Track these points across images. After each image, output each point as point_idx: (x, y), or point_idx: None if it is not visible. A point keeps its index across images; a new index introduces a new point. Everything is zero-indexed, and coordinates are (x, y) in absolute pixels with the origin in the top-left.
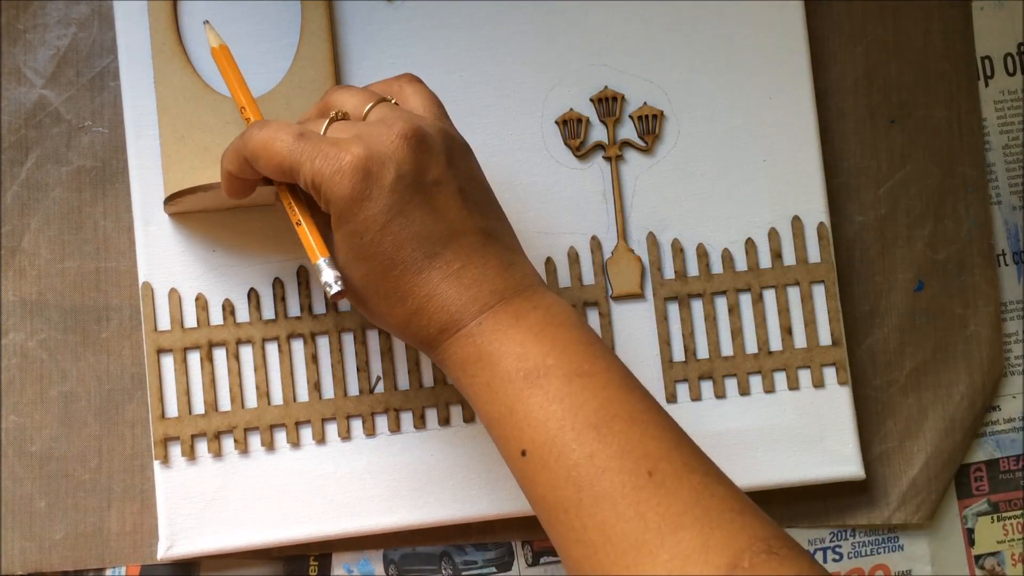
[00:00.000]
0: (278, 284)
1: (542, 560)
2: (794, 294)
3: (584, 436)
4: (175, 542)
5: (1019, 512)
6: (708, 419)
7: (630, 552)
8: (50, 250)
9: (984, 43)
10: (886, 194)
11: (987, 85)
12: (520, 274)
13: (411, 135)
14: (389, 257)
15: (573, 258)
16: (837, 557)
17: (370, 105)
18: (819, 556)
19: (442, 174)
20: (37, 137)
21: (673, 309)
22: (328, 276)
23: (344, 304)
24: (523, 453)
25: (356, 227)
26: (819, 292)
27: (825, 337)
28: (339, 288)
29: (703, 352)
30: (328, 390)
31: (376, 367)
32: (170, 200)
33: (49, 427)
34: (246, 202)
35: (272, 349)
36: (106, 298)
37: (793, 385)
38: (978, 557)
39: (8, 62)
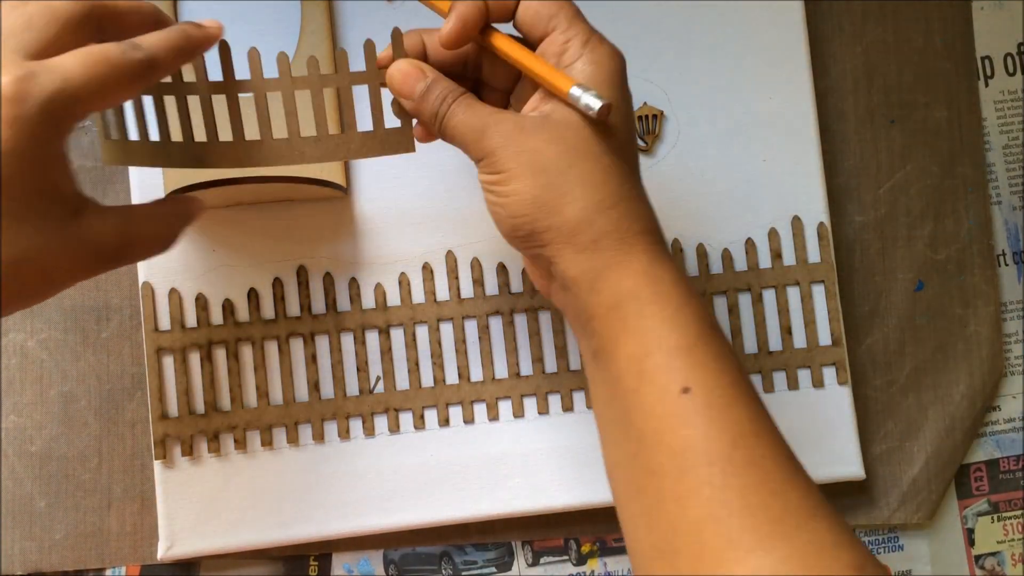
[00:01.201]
0: (278, 284)
1: (542, 560)
2: (794, 294)
3: (750, 398)
4: (175, 542)
5: (1019, 512)
6: None
7: (766, 525)
8: None
9: (984, 43)
10: (886, 194)
11: (987, 85)
12: None
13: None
14: (625, 142)
15: None
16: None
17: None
18: None
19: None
20: None
21: None
22: (590, 99)
23: (344, 304)
24: (686, 390)
25: (614, 95)
26: (819, 292)
27: (825, 337)
28: (603, 103)
29: None
30: (328, 390)
31: (376, 367)
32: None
33: (49, 427)
34: (248, 199)
35: (272, 349)
36: (106, 298)
37: (793, 385)
38: (978, 557)
39: None
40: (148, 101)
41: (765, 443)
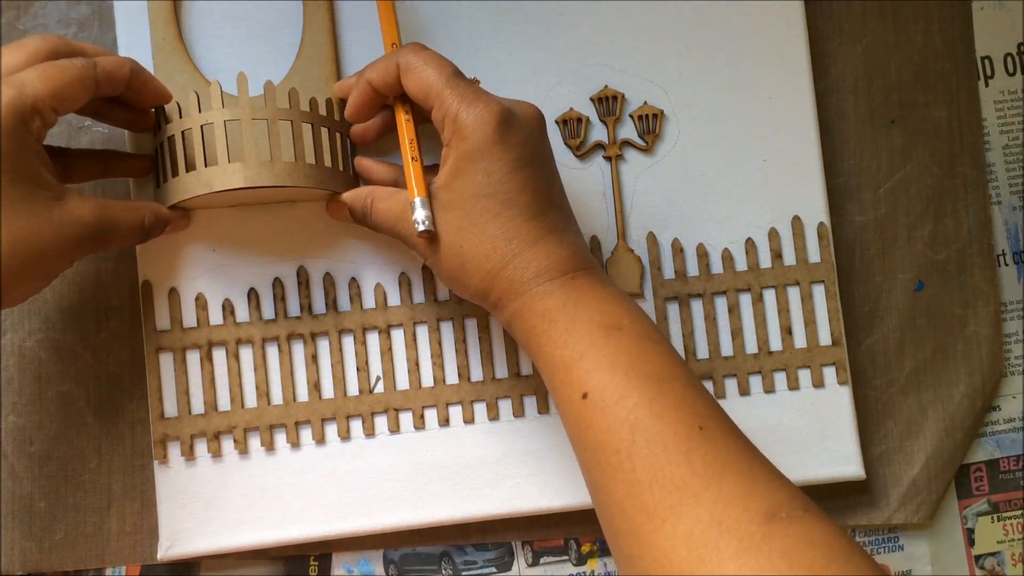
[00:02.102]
0: (278, 284)
1: (542, 560)
2: (794, 294)
3: (646, 385)
4: (175, 542)
5: (1019, 512)
6: None
7: (675, 492)
8: None
9: (984, 43)
10: (886, 194)
11: (987, 85)
12: (592, 261)
13: (537, 115)
14: (509, 197)
15: None
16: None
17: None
18: None
19: (551, 157)
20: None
21: (673, 309)
22: (421, 215)
23: (344, 304)
24: (584, 396)
25: (487, 166)
26: (819, 292)
27: (825, 337)
28: (428, 227)
29: (703, 352)
30: (328, 390)
31: (376, 367)
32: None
33: (48, 427)
34: (250, 199)
35: (272, 349)
36: (105, 298)
37: (793, 385)
38: (978, 557)
39: None
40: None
41: (665, 422)
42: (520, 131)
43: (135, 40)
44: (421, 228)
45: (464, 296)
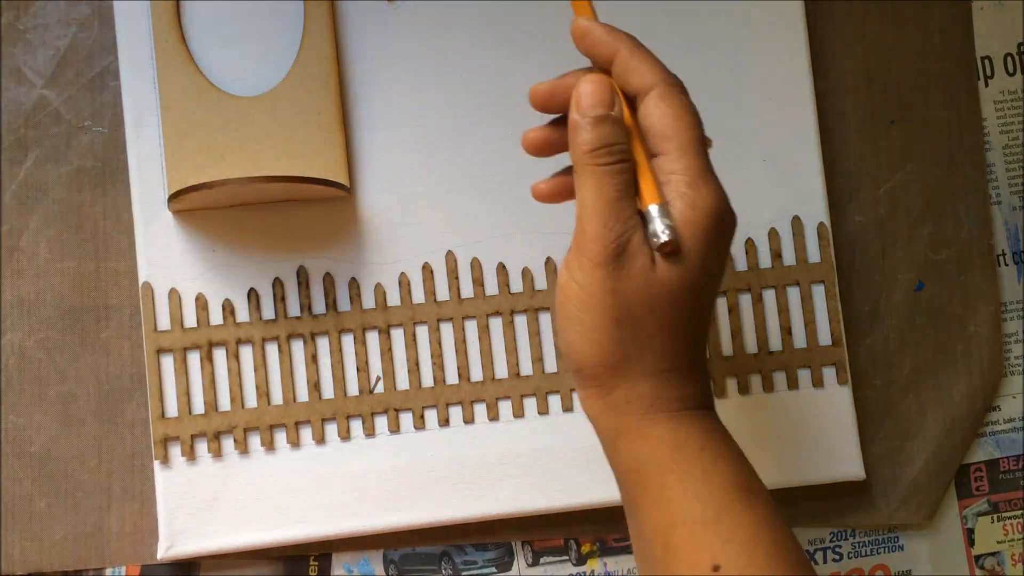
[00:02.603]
0: (278, 284)
1: (542, 560)
2: (794, 294)
3: (786, 569)
4: (175, 542)
5: (1019, 512)
6: None
7: None
8: (49, 250)
9: (984, 43)
10: (886, 194)
11: (987, 85)
12: None
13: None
14: (698, 304)
15: None
16: (837, 557)
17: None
18: (819, 556)
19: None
20: (37, 137)
21: None
22: (659, 225)
23: (344, 304)
24: (715, 568)
25: (704, 254)
26: (819, 292)
27: (825, 337)
28: (670, 236)
29: None
30: (328, 390)
31: (376, 367)
32: (174, 197)
33: (48, 427)
34: (251, 199)
35: (272, 349)
36: (105, 298)
37: (793, 385)
38: (978, 557)
39: (8, 62)
40: None
41: None
42: (727, 239)
43: (135, 40)
44: (662, 240)
45: (580, 364)
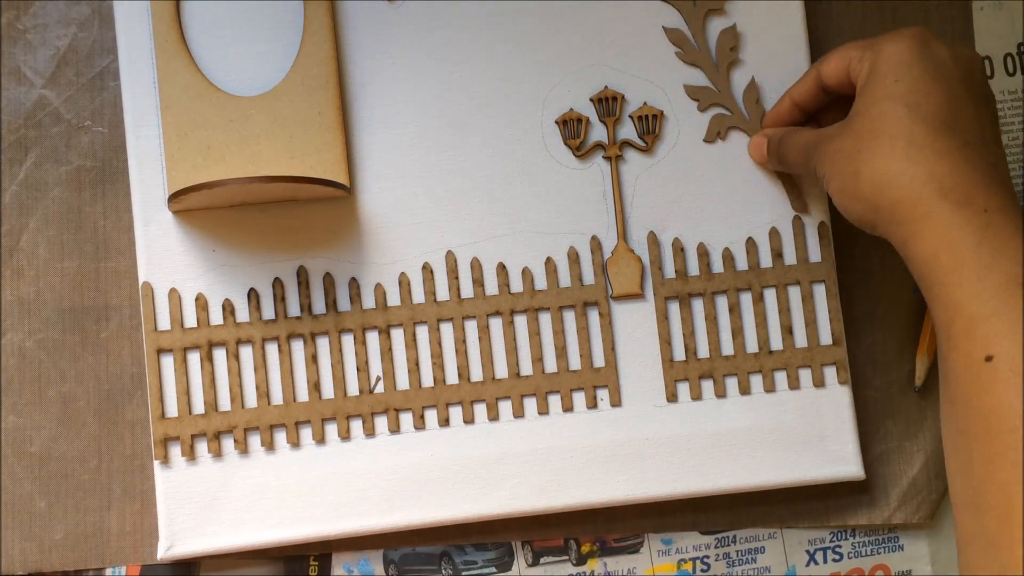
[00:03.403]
0: (278, 284)
1: (542, 560)
2: (795, 294)
3: None
4: (175, 542)
5: None
6: (709, 418)
7: None
8: (49, 250)
9: (984, 43)
10: None
11: None
12: (1012, 191)
13: (980, 63)
14: (917, 102)
15: (573, 258)
16: (837, 557)
17: None
18: (819, 556)
19: (989, 95)
20: (37, 137)
21: (674, 308)
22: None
23: (344, 304)
24: (989, 358)
25: (899, 72)
26: (820, 292)
27: (826, 336)
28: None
29: (704, 351)
30: (328, 390)
31: (376, 367)
32: (174, 197)
33: (48, 427)
34: (251, 199)
35: (272, 349)
36: (105, 298)
37: (794, 384)
38: None
39: (8, 62)
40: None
41: None
42: (944, 49)
43: (135, 40)
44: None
45: (851, 212)
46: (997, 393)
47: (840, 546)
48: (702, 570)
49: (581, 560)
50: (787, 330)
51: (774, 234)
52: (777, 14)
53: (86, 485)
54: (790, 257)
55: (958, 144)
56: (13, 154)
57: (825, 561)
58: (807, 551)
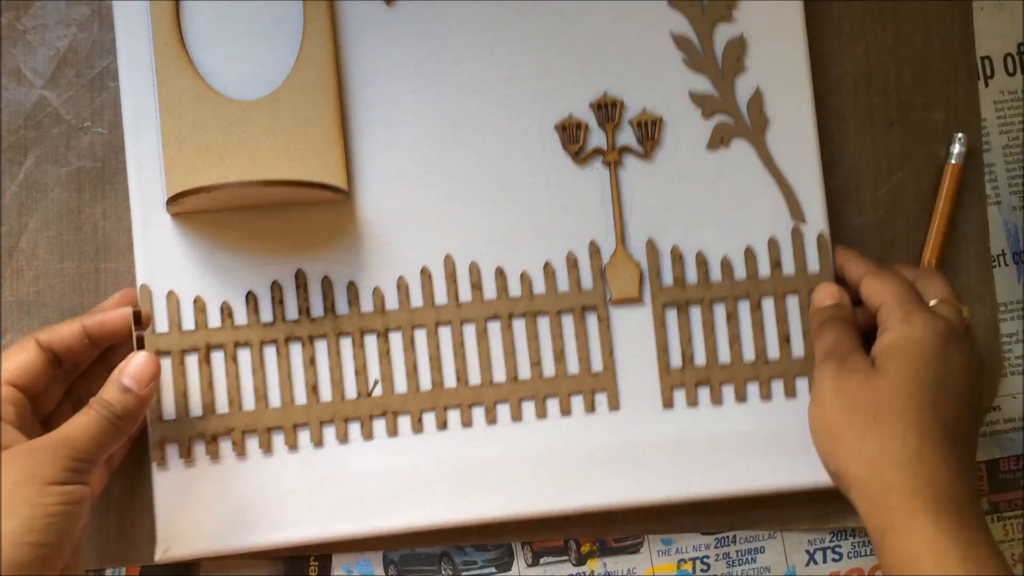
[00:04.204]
0: (276, 287)
1: (542, 560)
2: (792, 303)
3: None
4: (172, 544)
5: (1019, 512)
6: (705, 425)
7: None
8: (48, 251)
9: (984, 43)
10: (885, 196)
11: (987, 85)
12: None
13: (983, 366)
14: (943, 404)
15: (572, 263)
16: (837, 557)
17: (944, 298)
18: (819, 556)
19: (979, 402)
20: (36, 137)
21: (671, 315)
22: None
23: (342, 307)
24: None
25: (928, 361)
26: None
27: None
28: None
29: (700, 359)
30: (326, 393)
31: (374, 370)
32: (173, 200)
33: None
34: (249, 202)
35: (270, 352)
36: (105, 298)
37: (790, 393)
38: None
39: (8, 62)
40: None
41: None
42: (962, 355)
43: (134, 42)
44: None
45: (840, 466)
46: None
47: (840, 546)
48: (702, 570)
49: (581, 560)
50: (784, 339)
51: (772, 244)
52: (777, 16)
53: None
54: (788, 267)
55: (959, 455)
56: (13, 155)
57: (825, 561)
58: (807, 551)
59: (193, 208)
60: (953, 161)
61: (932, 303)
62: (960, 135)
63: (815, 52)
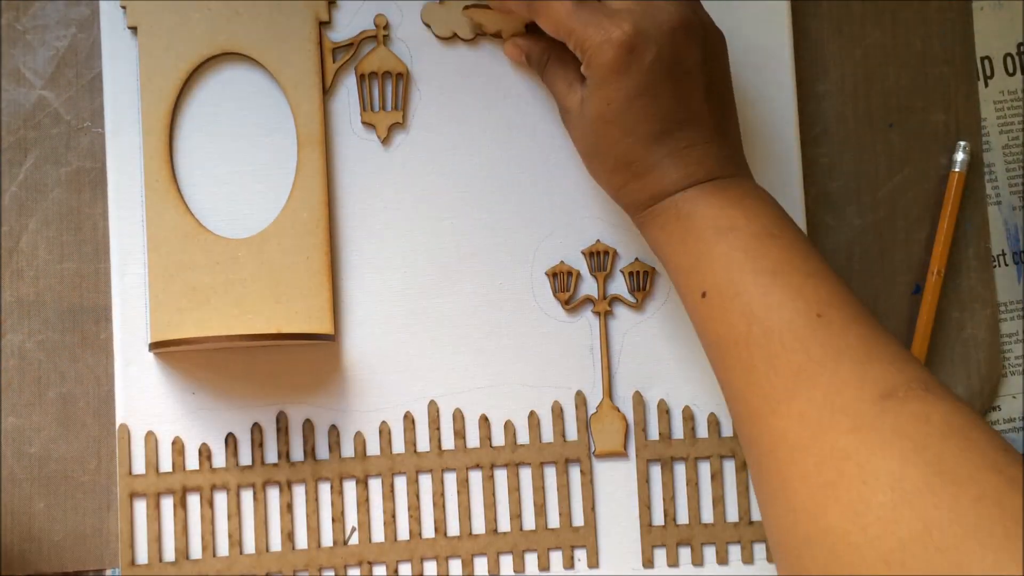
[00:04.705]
0: (256, 429)
1: None
2: None
3: (760, 279)
4: None
5: None
6: None
7: (791, 378)
8: (48, 251)
9: (984, 43)
10: (884, 197)
11: (987, 85)
12: (734, 164)
13: (679, 24)
14: (628, 126)
15: (557, 413)
16: None
17: None
18: None
19: (696, 66)
20: (36, 138)
21: (655, 471)
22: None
23: (323, 452)
24: (703, 295)
25: (608, 94)
26: None
27: None
28: None
29: (683, 518)
30: (302, 540)
31: (352, 518)
32: (156, 346)
33: (48, 428)
34: (234, 342)
35: (247, 496)
36: (105, 299)
37: (772, 558)
38: None
39: (8, 63)
40: None
41: (780, 312)
42: (646, 51)
43: (125, 178)
44: None
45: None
46: (716, 319)
47: None
48: None
49: None
50: None
51: None
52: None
53: (85, 486)
54: None
55: (669, 149)
56: (12, 155)
57: None
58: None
59: (176, 348)
60: (957, 169)
61: None
62: (963, 143)
63: (816, 53)
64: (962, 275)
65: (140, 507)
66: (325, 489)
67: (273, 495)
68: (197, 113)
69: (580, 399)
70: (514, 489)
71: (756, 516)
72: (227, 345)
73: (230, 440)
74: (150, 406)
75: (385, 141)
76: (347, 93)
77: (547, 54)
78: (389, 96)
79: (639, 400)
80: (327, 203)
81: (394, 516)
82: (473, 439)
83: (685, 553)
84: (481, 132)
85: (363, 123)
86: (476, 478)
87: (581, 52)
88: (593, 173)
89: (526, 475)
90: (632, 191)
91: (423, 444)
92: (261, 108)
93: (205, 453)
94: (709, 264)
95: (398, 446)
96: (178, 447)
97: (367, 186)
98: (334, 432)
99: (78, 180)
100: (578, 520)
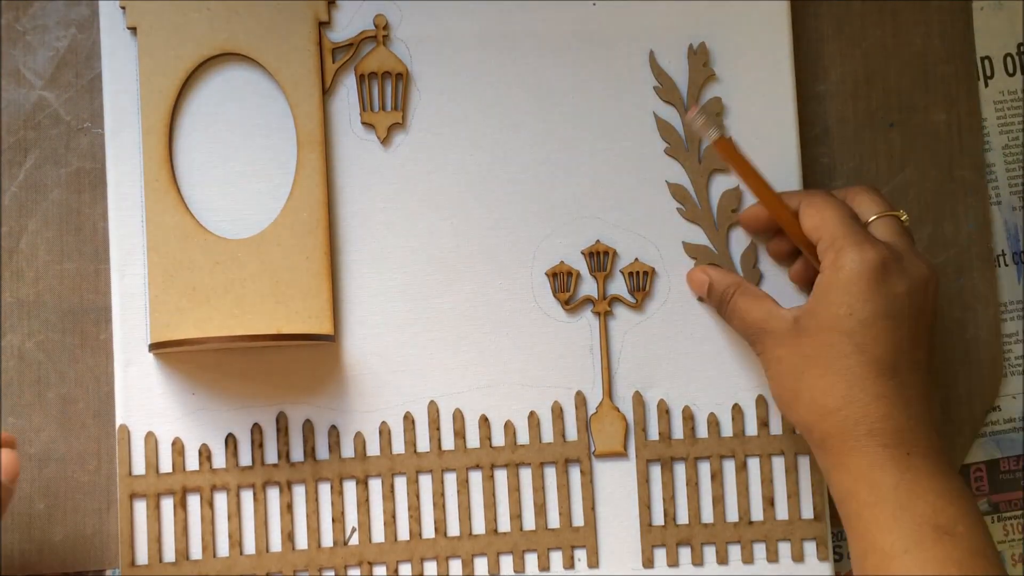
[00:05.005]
0: (256, 430)
1: None
2: (779, 464)
3: None
4: None
5: (1019, 512)
6: None
7: None
8: (48, 251)
9: (984, 43)
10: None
11: (987, 85)
12: (937, 432)
13: (931, 277)
14: (865, 344)
15: (557, 413)
16: (837, 557)
17: (881, 213)
18: None
19: (930, 325)
20: (36, 138)
21: (655, 471)
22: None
23: (323, 452)
24: None
25: (853, 302)
26: (804, 463)
27: (808, 511)
28: (720, 134)
29: (683, 517)
30: (302, 540)
31: (352, 518)
32: (156, 346)
33: (47, 429)
34: (234, 342)
35: (247, 496)
36: (105, 300)
37: (772, 557)
38: None
39: (8, 63)
40: None
41: None
42: (902, 283)
43: (125, 183)
44: (714, 136)
45: (790, 421)
46: None
47: (840, 546)
48: None
49: None
50: (768, 501)
51: (760, 401)
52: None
53: (85, 487)
54: (776, 426)
55: (896, 387)
56: (12, 156)
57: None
58: None
59: (176, 349)
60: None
61: (871, 219)
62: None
63: (816, 53)
64: (965, 275)
65: (140, 508)
66: (325, 489)
67: (273, 495)
68: (197, 113)
69: (580, 399)
70: (514, 489)
71: (756, 515)
72: (227, 345)
73: (230, 440)
74: (150, 407)
75: (385, 141)
76: (347, 93)
77: (733, 288)
78: (389, 96)
79: (639, 400)
80: (327, 203)
81: (394, 516)
82: (473, 439)
83: (685, 553)
84: (481, 132)
85: (363, 123)
86: (476, 478)
87: (836, 252)
88: (795, 394)
89: (526, 475)
90: (845, 419)
91: (423, 444)
92: (261, 108)
93: (205, 454)
94: (919, 566)
95: (398, 446)
96: (178, 448)
97: (367, 186)
98: (334, 432)
99: (78, 180)
100: (578, 520)
